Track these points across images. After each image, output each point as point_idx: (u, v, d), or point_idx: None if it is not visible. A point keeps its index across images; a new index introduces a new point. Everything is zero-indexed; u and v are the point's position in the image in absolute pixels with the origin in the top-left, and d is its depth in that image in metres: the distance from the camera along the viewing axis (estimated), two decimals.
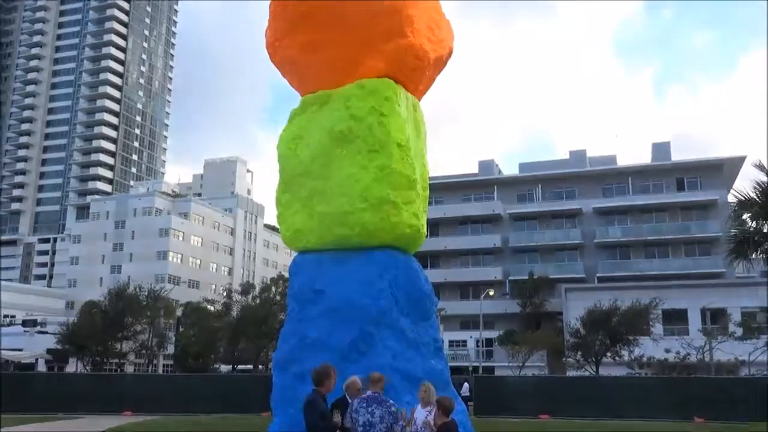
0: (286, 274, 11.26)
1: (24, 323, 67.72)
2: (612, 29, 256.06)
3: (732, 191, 18.49)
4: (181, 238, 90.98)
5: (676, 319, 47.05)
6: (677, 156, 67.60)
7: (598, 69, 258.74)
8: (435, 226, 63.13)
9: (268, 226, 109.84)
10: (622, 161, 71.49)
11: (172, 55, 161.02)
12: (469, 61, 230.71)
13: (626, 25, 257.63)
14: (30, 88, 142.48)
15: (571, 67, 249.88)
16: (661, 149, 67.34)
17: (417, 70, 9.89)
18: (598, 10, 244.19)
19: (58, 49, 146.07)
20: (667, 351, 38.76)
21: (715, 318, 45.82)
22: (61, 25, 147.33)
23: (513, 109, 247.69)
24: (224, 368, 56.05)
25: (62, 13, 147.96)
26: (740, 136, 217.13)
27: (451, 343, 57.25)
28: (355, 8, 9.20)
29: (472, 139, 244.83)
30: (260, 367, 53.67)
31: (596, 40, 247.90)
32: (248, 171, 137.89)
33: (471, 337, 57.83)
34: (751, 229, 17.16)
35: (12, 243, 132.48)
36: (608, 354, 40.04)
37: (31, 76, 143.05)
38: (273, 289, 57.21)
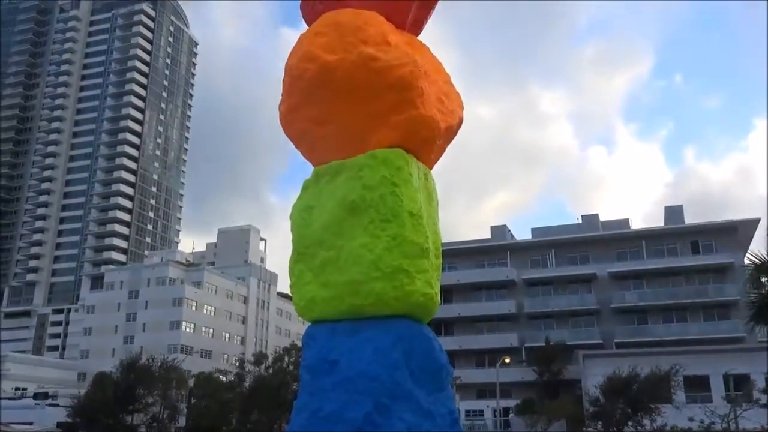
0: (300, 343, 11.14)
1: (35, 396, 67.10)
2: (623, 93, 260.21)
3: (748, 254, 18.36)
4: (194, 308, 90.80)
5: (697, 385, 45.88)
6: (690, 219, 67.37)
7: (608, 132, 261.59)
8: (448, 293, 62.77)
9: (281, 295, 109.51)
10: (635, 225, 71.37)
11: (188, 127, 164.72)
12: (479, 126, 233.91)
13: (637, 89, 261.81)
14: (49, 160, 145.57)
15: (582, 131, 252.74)
16: (673, 212, 67.28)
17: (428, 140, 10.06)
18: (609, 75, 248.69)
19: (77, 123, 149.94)
20: (691, 420, 37.65)
21: (739, 384, 44.66)
22: (80, 100, 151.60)
23: (523, 174, 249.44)
24: None
25: (82, 89, 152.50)
26: (755, 198, 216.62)
27: (468, 413, 56.01)
28: (366, 82, 9.44)
29: (483, 204, 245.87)
30: None
31: (607, 103, 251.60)
32: (262, 239, 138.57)
33: (488, 406, 56.62)
34: None
35: (26, 314, 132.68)
36: (630, 423, 38.95)
37: (51, 149, 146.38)
38: (286, 358, 56.61)
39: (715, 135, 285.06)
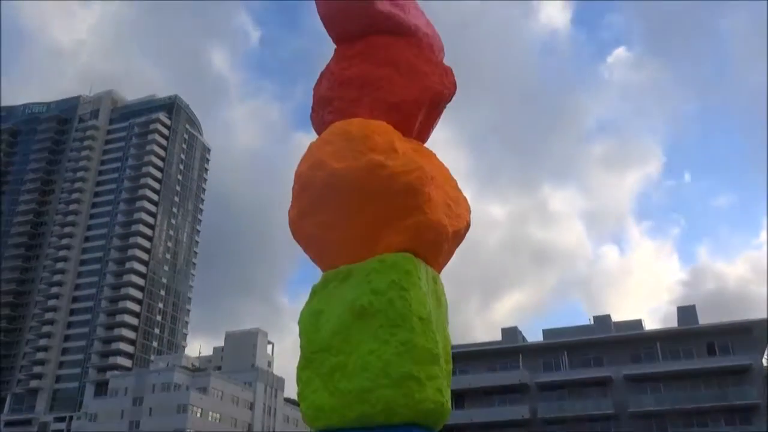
0: None
1: None
2: (633, 191, 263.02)
3: (766, 356, 17.97)
4: (199, 415, 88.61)
5: None
6: (707, 317, 66.42)
7: (620, 231, 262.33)
8: (460, 398, 61.13)
9: (288, 400, 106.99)
10: (649, 325, 70.33)
11: (198, 231, 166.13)
12: (490, 225, 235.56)
13: (647, 188, 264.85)
14: (60, 265, 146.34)
15: (594, 230, 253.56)
16: (687, 313, 66.36)
17: (436, 244, 10.13)
18: (619, 174, 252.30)
19: (89, 227, 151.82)
20: None
21: None
22: (94, 205, 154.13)
23: (535, 274, 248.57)
24: None
25: (97, 194, 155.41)
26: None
27: None
28: (374, 189, 9.65)
29: (495, 305, 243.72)
30: None
31: (618, 201, 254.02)
32: (269, 342, 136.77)
33: None
34: None
35: (27, 422, 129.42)
36: None
37: (62, 253, 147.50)
38: None
39: (727, 233, 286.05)
